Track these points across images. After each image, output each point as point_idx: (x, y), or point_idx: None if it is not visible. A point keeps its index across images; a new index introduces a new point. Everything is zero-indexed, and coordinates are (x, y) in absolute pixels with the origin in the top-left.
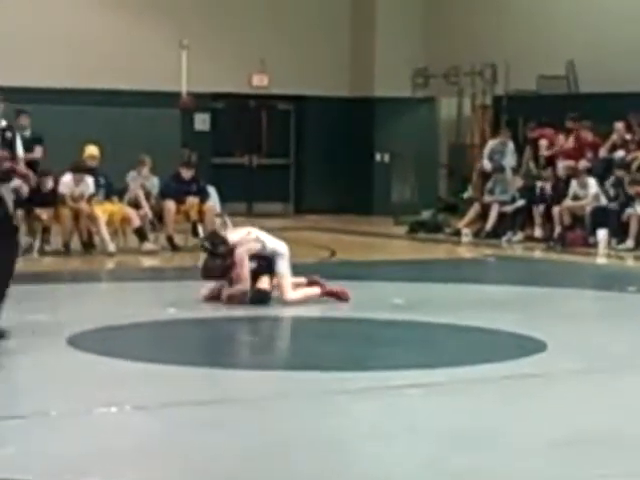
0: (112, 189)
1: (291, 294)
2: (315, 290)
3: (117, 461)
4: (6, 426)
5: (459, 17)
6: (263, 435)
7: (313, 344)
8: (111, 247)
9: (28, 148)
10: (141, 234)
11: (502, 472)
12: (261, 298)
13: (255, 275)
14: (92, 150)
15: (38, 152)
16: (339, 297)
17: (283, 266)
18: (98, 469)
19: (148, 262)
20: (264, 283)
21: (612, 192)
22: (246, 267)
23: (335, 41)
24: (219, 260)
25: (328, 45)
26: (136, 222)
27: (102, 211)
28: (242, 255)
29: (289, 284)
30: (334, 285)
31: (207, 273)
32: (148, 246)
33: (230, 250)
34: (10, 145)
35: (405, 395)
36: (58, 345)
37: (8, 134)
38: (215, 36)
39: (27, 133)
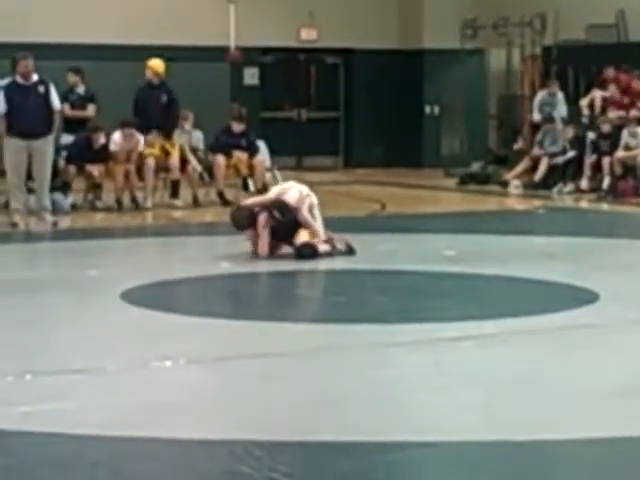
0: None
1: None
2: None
3: (174, 414)
4: (64, 381)
5: None
6: (316, 388)
7: (364, 297)
8: (148, 203)
9: (81, 106)
10: (175, 188)
11: (562, 422)
12: (309, 252)
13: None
14: (155, 65)
15: (91, 110)
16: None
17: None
18: (156, 422)
19: (199, 217)
20: (304, 237)
21: None
22: (314, 223)
23: None
24: (246, 211)
25: None
26: (175, 174)
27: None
28: (305, 216)
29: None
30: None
31: (237, 224)
32: (177, 203)
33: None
34: (45, 98)
35: (457, 347)
36: (112, 300)
37: (41, 88)
38: None
39: (81, 90)
